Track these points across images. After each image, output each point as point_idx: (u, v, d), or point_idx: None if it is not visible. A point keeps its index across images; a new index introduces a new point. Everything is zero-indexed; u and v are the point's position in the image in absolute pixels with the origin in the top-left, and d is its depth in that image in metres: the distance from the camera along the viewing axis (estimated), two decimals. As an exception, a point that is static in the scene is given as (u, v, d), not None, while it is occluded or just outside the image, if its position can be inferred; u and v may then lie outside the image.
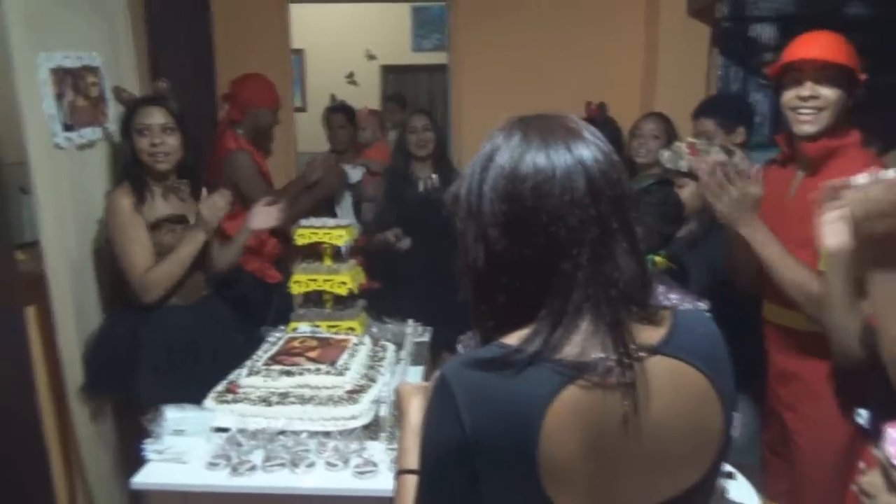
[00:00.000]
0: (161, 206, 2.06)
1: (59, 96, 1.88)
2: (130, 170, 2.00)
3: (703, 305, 1.46)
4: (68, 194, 1.94)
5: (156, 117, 2.04)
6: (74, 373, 1.96)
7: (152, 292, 1.99)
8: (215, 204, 2.09)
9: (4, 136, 1.66)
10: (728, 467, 1.69)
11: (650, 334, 0.76)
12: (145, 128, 2.02)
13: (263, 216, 2.27)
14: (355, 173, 3.45)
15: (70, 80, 1.92)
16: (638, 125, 2.79)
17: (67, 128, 1.92)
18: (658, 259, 2.11)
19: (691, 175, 1.90)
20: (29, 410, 1.76)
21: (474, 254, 0.78)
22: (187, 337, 2.04)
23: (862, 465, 1.45)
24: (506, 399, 0.69)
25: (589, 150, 0.76)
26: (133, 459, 1.64)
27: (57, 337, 1.90)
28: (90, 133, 2.04)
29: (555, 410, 0.68)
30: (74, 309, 1.95)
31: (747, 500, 1.68)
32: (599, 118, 3.08)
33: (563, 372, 0.69)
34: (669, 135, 2.75)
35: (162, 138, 2.02)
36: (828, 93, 1.67)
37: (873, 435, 1.42)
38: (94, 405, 2.07)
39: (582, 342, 0.71)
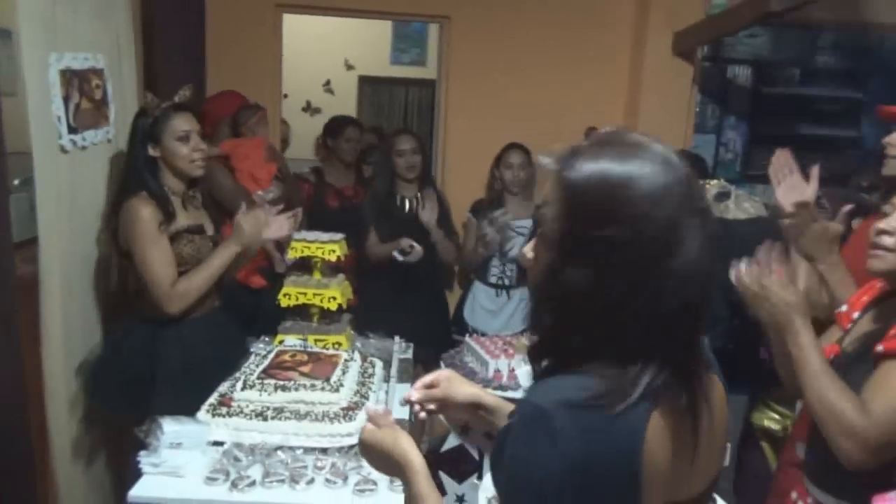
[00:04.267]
0: (180, 216, 2.05)
1: (66, 98, 1.85)
2: (148, 179, 1.98)
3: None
4: (68, 196, 1.92)
5: (193, 123, 2.05)
6: (56, 383, 1.91)
7: (179, 304, 1.98)
8: (257, 218, 2.09)
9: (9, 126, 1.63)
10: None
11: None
12: (187, 134, 2.02)
13: (275, 225, 2.22)
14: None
15: (76, 81, 1.90)
16: None
17: (72, 130, 1.90)
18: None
19: None
20: (19, 422, 1.72)
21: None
22: (203, 350, 2.03)
23: (794, 494, 1.54)
24: (609, 435, 0.71)
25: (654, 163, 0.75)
26: (124, 473, 1.62)
27: (42, 345, 1.85)
28: (93, 136, 2.02)
29: (649, 437, 0.73)
30: (62, 316, 1.90)
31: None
32: None
33: (647, 399, 0.73)
34: None
35: (201, 144, 2.04)
36: None
37: (805, 467, 1.51)
38: (81, 415, 2.02)
39: (654, 370, 0.74)
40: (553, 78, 3.40)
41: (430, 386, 1.08)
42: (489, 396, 1.11)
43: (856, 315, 1.48)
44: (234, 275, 2.33)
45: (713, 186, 2.25)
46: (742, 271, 1.44)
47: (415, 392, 1.07)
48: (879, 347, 1.29)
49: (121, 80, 2.18)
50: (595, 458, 0.71)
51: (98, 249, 2.13)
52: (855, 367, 1.35)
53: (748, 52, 3.44)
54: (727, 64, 3.46)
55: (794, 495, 1.55)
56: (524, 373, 1.59)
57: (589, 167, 0.75)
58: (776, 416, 2.53)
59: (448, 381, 1.08)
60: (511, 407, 0.99)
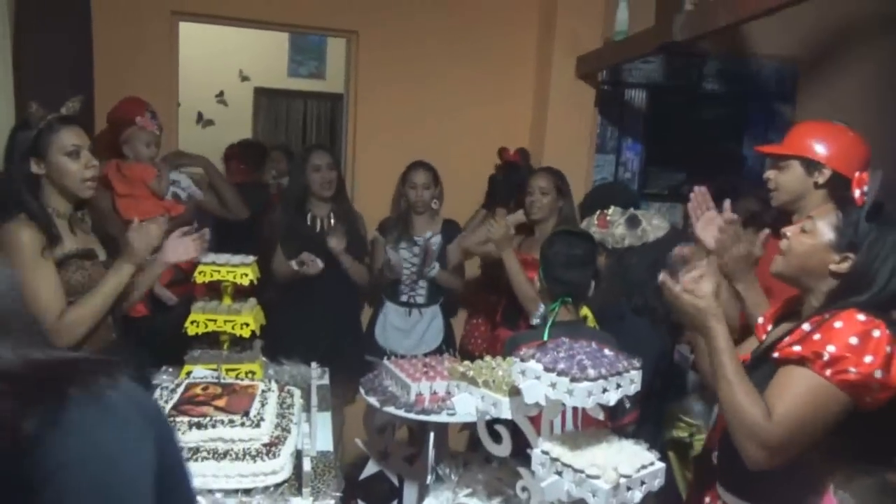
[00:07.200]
0: (67, 240, 1.86)
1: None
2: (28, 199, 1.79)
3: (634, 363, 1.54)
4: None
5: (84, 138, 1.87)
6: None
7: (69, 337, 1.78)
8: (149, 232, 1.93)
9: None
10: None
11: None
12: (77, 149, 1.84)
13: (181, 248, 2.09)
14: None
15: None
16: (529, 182, 2.92)
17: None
18: (584, 311, 2.21)
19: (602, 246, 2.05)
20: None
21: None
22: None
23: (707, 499, 1.61)
24: None
25: None
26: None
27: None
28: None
29: None
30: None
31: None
32: (523, 163, 3.21)
33: None
34: (560, 190, 2.91)
35: (93, 161, 1.87)
36: (780, 177, 1.91)
37: (718, 472, 1.58)
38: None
39: None
40: (461, 97, 3.43)
41: None
42: None
43: (770, 327, 1.60)
44: (128, 310, 2.14)
45: (615, 214, 2.28)
46: (665, 282, 1.49)
47: None
48: (775, 354, 1.38)
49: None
50: None
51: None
52: (754, 371, 1.44)
53: (642, 76, 3.62)
54: (624, 88, 3.63)
55: (707, 500, 1.62)
56: (462, 399, 1.55)
57: None
58: (683, 425, 2.65)
59: None
60: None
